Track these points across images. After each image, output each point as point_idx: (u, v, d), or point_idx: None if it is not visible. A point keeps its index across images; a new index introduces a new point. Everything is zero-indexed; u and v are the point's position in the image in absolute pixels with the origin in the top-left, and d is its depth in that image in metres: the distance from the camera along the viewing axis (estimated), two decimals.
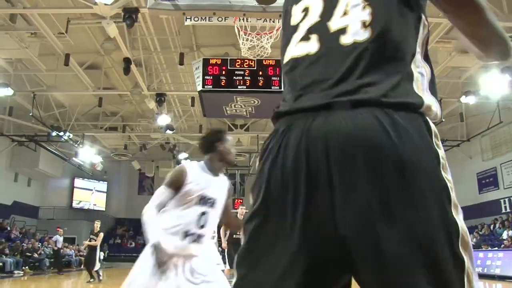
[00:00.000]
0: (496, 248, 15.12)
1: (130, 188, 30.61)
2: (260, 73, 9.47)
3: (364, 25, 1.08)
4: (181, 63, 12.46)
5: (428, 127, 1.03)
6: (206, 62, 9.42)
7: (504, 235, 15.64)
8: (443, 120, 17.30)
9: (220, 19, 7.00)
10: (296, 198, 1.00)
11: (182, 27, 11.76)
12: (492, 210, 18.92)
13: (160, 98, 14.60)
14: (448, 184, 0.98)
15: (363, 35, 1.07)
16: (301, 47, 1.15)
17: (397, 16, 1.10)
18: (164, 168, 24.69)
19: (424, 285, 0.90)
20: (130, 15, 9.46)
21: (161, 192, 2.88)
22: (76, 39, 12.38)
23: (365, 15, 1.09)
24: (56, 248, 16.83)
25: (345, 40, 1.09)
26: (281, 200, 1.02)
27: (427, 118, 1.05)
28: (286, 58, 1.19)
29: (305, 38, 1.15)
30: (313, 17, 1.16)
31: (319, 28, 1.13)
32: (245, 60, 9.37)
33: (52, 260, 18.11)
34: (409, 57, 1.09)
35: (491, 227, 18.17)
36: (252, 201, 1.11)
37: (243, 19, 7.09)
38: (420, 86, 1.09)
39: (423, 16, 1.15)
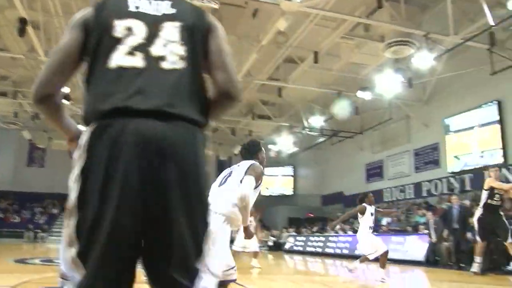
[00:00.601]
0: (375, 233, 16.48)
1: (19, 159, 28.27)
2: None
3: (181, 58, 1.44)
4: None
5: (205, 141, 1.45)
6: None
7: (383, 222, 17.11)
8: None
9: None
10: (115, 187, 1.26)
11: None
12: (376, 199, 20.50)
13: None
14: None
15: (180, 64, 1.43)
16: (128, 60, 1.40)
17: (199, 57, 1.50)
18: (58, 140, 23.14)
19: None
20: None
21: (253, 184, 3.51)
22: None
23: (181, 51, 1.45)
24: None
25: (165, 65, 1.41)
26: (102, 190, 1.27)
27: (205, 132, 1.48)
28: (113, 64, 1.39)
29: (131, 53, 1.41)
30: (138, 39, 1.43)
31: (143, 50, 1.41)
32: None
33: None
34: (205, 88, 1.51)
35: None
36: (78, 188, 1.31)
37: None
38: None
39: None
